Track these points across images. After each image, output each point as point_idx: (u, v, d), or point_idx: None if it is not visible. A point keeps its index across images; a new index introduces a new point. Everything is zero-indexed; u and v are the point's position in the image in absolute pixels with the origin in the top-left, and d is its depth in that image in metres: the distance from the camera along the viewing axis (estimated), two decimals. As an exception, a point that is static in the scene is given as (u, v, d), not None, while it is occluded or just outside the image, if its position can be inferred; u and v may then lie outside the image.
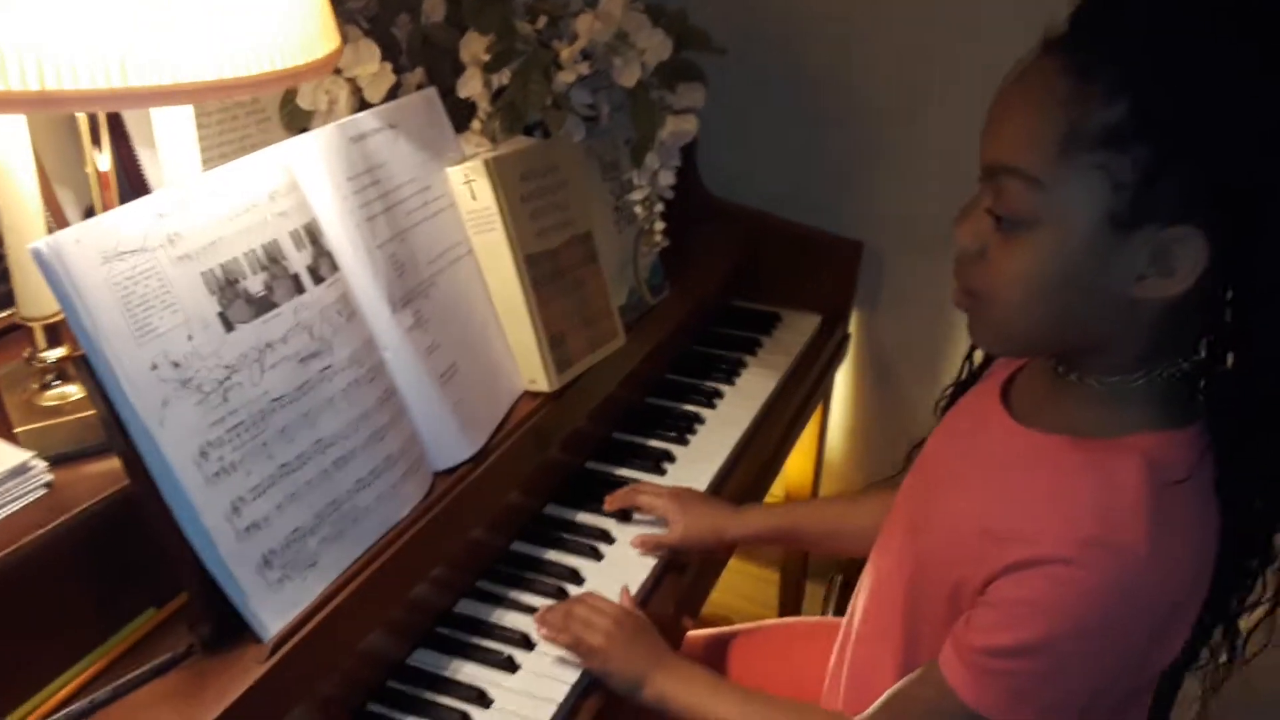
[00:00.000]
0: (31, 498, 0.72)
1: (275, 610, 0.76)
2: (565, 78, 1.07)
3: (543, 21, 1.07)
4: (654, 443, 1.23)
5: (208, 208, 0.75)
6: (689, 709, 0.87)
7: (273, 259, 0.79)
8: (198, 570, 0.72)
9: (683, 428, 1.24)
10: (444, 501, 0.91)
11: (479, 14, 1.05)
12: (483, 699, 0.88)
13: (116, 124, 0.90)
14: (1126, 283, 0.65)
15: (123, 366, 0.68)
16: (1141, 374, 0.69)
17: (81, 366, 0.68)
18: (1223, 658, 0.76)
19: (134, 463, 0.70)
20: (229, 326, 0.75)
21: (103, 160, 0.75)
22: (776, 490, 1.79)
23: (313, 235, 0.83)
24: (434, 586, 0.95)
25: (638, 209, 1.19)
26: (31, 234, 0.76)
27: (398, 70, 1.09)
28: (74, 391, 0.82)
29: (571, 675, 0.90)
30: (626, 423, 1.26)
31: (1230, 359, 0.69)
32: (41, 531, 0.70)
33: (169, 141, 0.80)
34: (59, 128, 0.92)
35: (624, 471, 1.18)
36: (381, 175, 0.92)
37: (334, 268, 0.85)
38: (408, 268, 0.93)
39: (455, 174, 1.00)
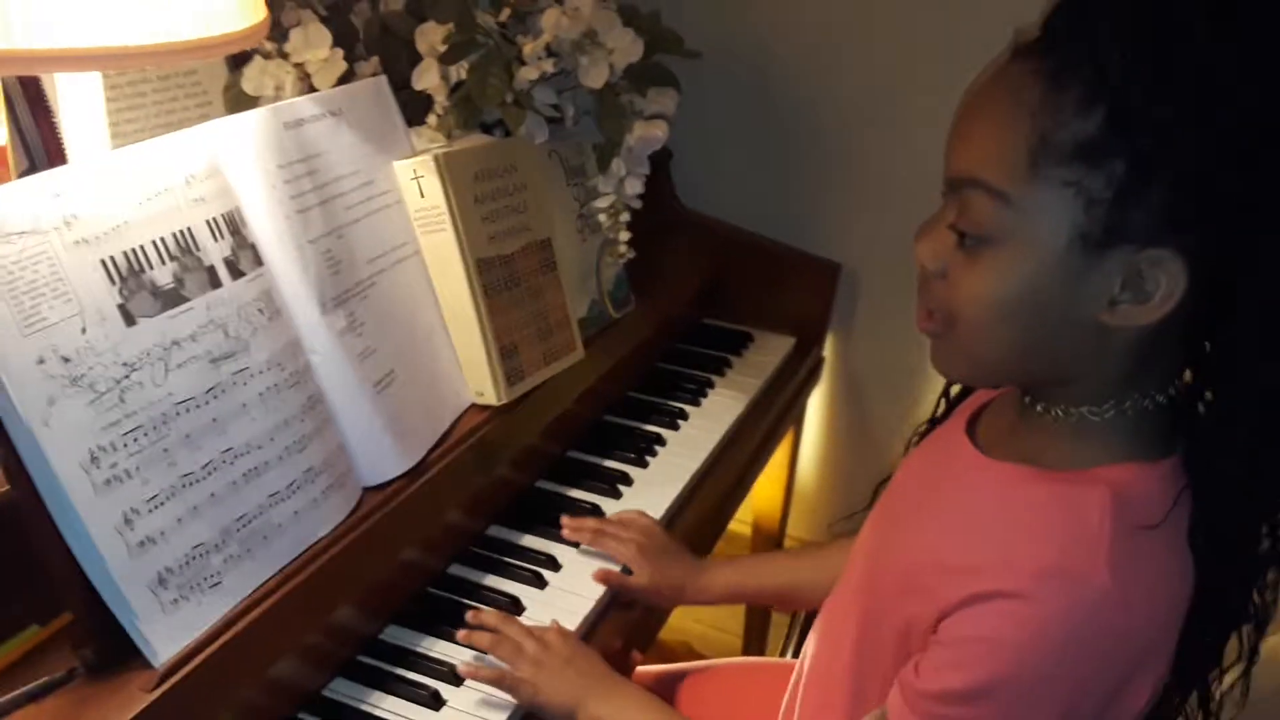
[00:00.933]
0: (-104, 502, 0.65)
1: (168, 634, 0.69)
2: (528, 74, 1.01)
3: (506, 14, 1.01)
4: (611, 463, 1.16)
5: (112, 189, 0.69)
6: None
7: (185, 249, 0.73)
8: (83, 586, 0.66)
9: (642, 449, 1.18)
10: (371, 519, 0.84)
11: (438, 2, 1.00)
12: (403, 737, 0.81)
13: (38, 94, 0.83)
14: (1098, 308, 0.59)
15: (4, 359, 0.62)
16: (1111, 405, 0.64)
17: (-46, 358, 0.61)
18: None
19: (13, 465, 0.63)
20: (130, 320, 0.69)
21: (-2, 132, 0.68)
22: (744, 516, 1.73)
23: (234, 226, 0.77)
24: (357, 611, 0.88)
25: (602, 217, 1.13)
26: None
27: (353, 59, 1.03)
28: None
29: (500, 716, 0.83)
30: (583, 441, 1.19)
31: (1209, 394, 0.63)
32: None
33: (73, 115, 0.74)
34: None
35: (577, 493, 1.11)
36: (319, 165, 0.86)
37: (257, 262, 0.79)
38: (344, 266, 0.87)
39: (403, 169, 0.94)
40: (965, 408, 0.78)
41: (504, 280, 1.00)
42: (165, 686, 0.67)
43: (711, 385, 1.33)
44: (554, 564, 1.00)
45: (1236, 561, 0.63)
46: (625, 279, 1.23)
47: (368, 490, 0.87)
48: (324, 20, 0.99)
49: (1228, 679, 0.70)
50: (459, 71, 1.00)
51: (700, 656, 1.26)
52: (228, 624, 0.72)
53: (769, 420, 1.34)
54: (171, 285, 0.72)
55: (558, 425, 1.12)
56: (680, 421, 1.24)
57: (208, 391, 0.73)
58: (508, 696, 0.84)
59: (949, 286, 0.64)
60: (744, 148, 1.53)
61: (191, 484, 0.72)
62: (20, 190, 0.64)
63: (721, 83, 1.44)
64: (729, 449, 1.24)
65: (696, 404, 1.28)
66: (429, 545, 0.96)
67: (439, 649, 0.89)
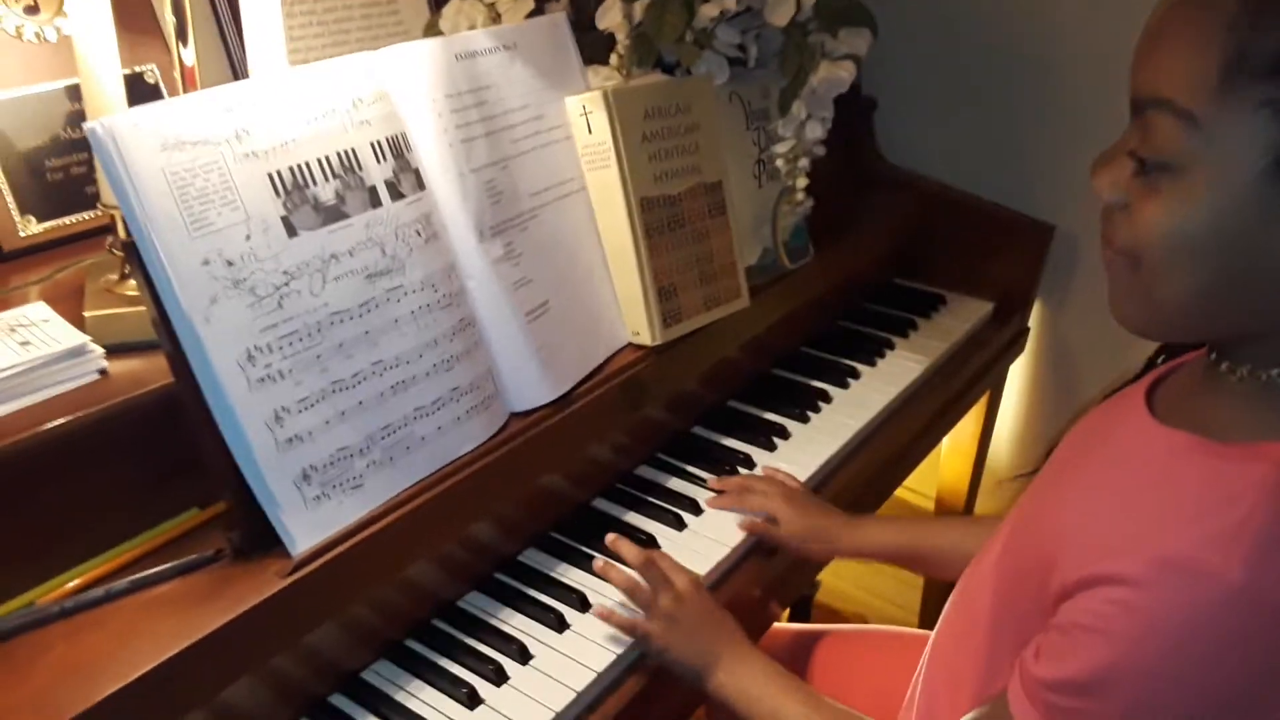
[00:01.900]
0: (83, 381, 0.73)
1: (308, 527, 0.74)
2: (709, 11, 0.99)
3: (692, -50, 1.00)
4: (771, 415, 1.14)
5: (282, 107, 0.73)
6: (748, 705, 0.80)
7: (348, 168, 0.77)
8: (235, 475, 0.71)
9: (805, 405, 1.15)
10: (513, 443, 0.87)
11: (623, -61, 0.99)
12: (524, 654, 0.83)
13: (236, 20, 0.89)
14: None
15: (172, 257, 0.67)
16: None
17: (131, 254, 0.67)
18: None
19: (177, 357, 0.69)
20: (292, 232, 0.73)
21: (187, 54, 0.74)
22: (927, 490, 1.65)
23: (397, 149, 0.80)
24: (494, 529, 0.91)
25: (780, 163, 1.10)
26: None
27: (544, 0, 1.04)
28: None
29: (619, 649, 0.84)
30: (745, 392, 1.17)
31: None
32: (81, 414, 0.71)
33: (254, 35, 0.79)
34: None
35: (731, 441, 1.10)
36: (488, 97, 0.88)
37: (418, 186, 0.82)
38: (505, 197, 0.89)
39: (573, 104, 0.95)
40: (1157, 372, 0.70)
41: (667, 220, 0.99)
42: (299, 574, 0.71)
43: (891, 346, 1.27)
44: (695, 508, 0.99)
45: None
46: (805, 230, 1.19)
47: (514, 416, 0.90)
48: (519, -40, 1.01)
49: None
50: (642, 10, 1.00)
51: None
52: (364, 524, 0.76)
53: (952, 389, 1.26)
54: (333, 202, 0.76)
55: (719, 373, 1.11)
56: (851, 380, 1.20)
57: (362, 305, 0.77)
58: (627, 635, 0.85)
59: (1130, 220, 0.57)
60: (952, 96, 1.44)
61: (340, 390, 0.76)
62: (195, 103, 0.69)
63: (928, 24, 1.36)
64: (899, 414, 1.18)
65: (872, 364, 1.23)
66: (571, 475, 0.98)
67: (572, 576, 0.91)
